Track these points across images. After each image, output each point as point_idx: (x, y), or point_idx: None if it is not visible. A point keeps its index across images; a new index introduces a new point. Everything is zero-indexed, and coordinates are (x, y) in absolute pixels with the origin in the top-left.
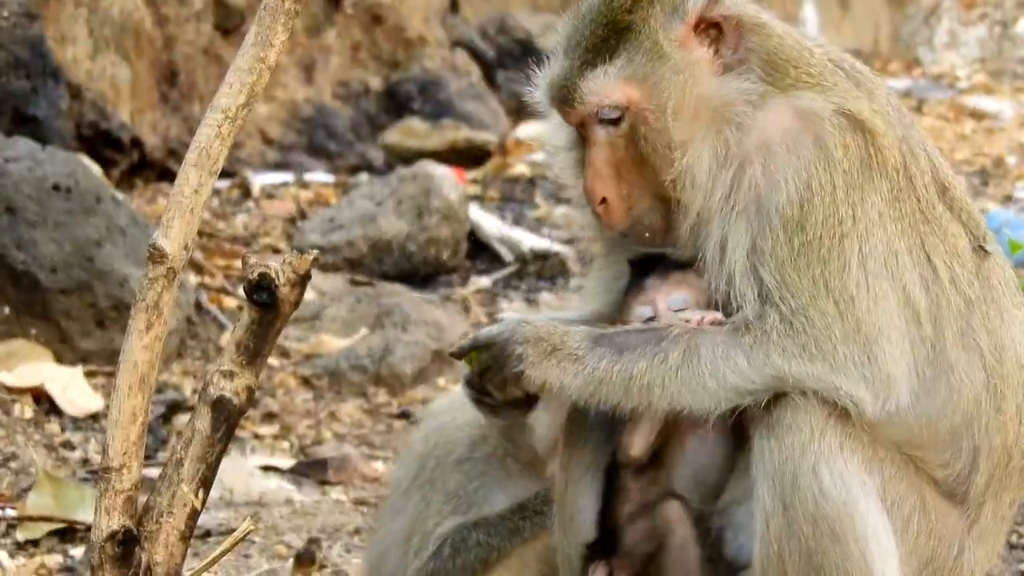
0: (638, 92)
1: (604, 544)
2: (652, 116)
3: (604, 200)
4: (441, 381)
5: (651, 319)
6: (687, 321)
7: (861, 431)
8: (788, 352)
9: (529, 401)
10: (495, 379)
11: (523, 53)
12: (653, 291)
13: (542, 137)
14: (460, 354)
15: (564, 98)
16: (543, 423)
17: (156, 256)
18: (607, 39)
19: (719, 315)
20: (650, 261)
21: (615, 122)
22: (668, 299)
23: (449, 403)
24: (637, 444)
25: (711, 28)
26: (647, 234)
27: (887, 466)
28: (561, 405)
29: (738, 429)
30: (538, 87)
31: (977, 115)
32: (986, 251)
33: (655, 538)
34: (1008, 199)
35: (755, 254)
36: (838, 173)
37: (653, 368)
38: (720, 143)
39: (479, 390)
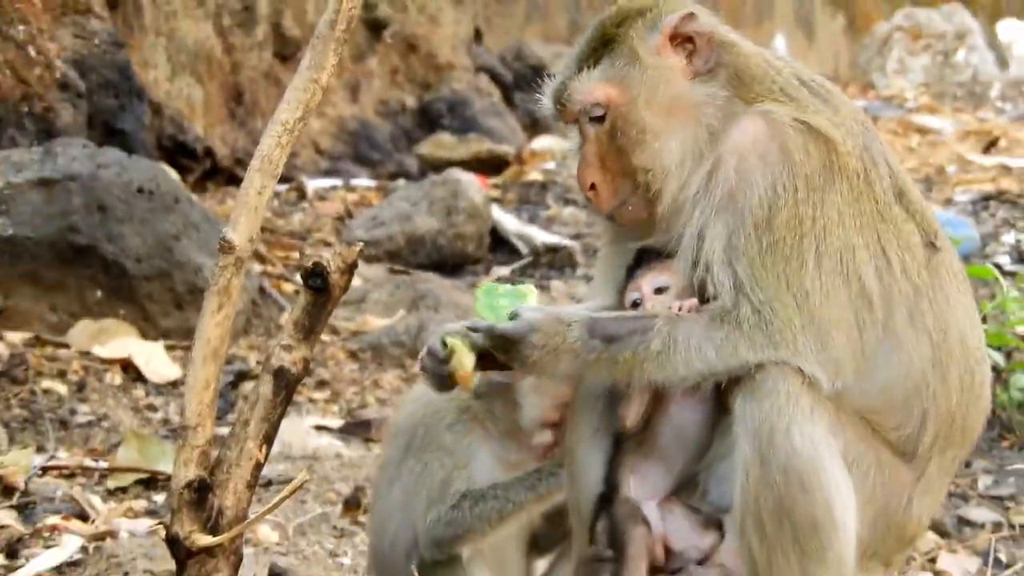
0: (616, 91)
1: (609, 500)
2: (628, 111)
3: (593, 187)
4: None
5: (637, 302)
6: (670, 307)
7: (827, 399)
8: (756, 344)
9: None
10: (495, 362)
11: (537, 77)
12: (639, 278)
13: (556, 149)
14: (474, 329)
15: (559, 99)
16: (534, 405)
17: (226, 247)
18: (596, 49)
19: (695, 301)
20: (644, 253)
21: (600, 120)
22: (651, 283)
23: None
24: (631, 416)
25: (686, 42)
26: (630, 220)
27: (849, 429)
28: (553, 387)
29: (716, 398)
30: (545, 95)
31: (922, 131)
32: (936, 246)
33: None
34: (948, 202)
35: (731, 249)
36: (801, 177)
37: (636, 356)
38: (690, 140)
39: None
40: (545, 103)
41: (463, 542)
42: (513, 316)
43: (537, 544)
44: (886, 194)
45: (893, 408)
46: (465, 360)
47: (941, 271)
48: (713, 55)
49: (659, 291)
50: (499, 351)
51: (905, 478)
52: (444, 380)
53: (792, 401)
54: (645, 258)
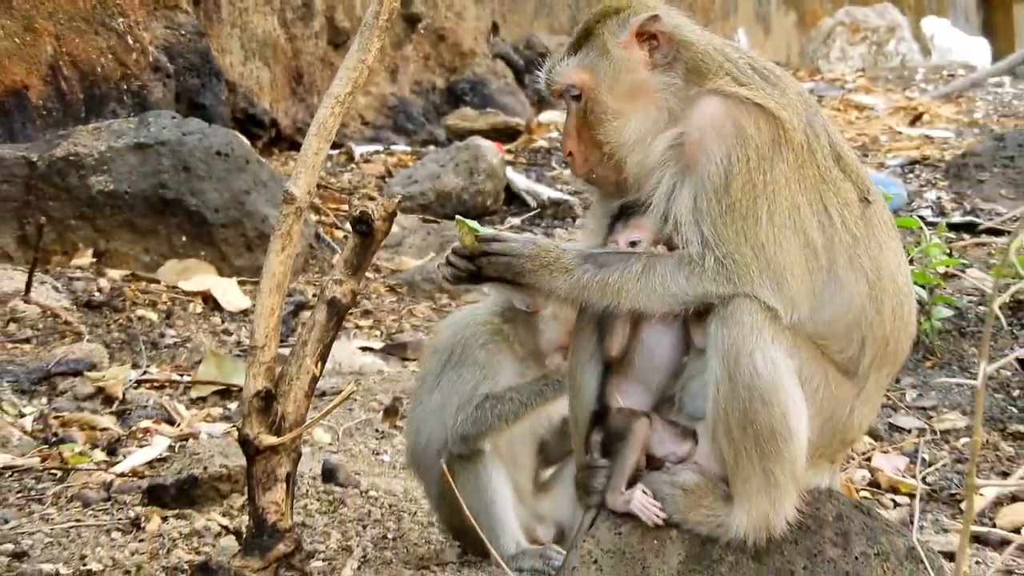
0: (588, 76)
1: (602, 415)
2: (596, 94)
3: (571, 154)
4: (486, 290)
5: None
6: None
7: (786, 328)
8: (719, 282)
9: (481, 280)
10: (495, 264)
11: (543, 63)
12: (617, 232)
13: (559, 121)
14: (484, 239)
15: (546, 79)
16: (552, 329)
17: (288, 199)
18: (579, 40)
19: (665, 247)
20: (624, 209)
21: (577, 98)
22: (626, 238)
23: (467, 311)
24: (615, 347)
25: (651, 39)
26: (600, 183)
27: (803, 352)
28: (568, 316)
29: (684, 329)
30: (540, 75)
31: (860, 108)
32: (869, 201)
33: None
34: (881, 165)
35: (696, 211)
36: (752, 148)
37: (622, 279)
38: (650, 120)
39: (460, 259)
40: (540, 81)
41: (485, 437)
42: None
43: (545, 455)
44: (826, 160)
45: (838, 336)
46: (469, 227)
47: (874, 221)
48: (672, 51)
49: (632, 244)
50: (498, 257)
51: (848, 392)
52: (459, 272)
53: (756, 331)
54: (624, 214)
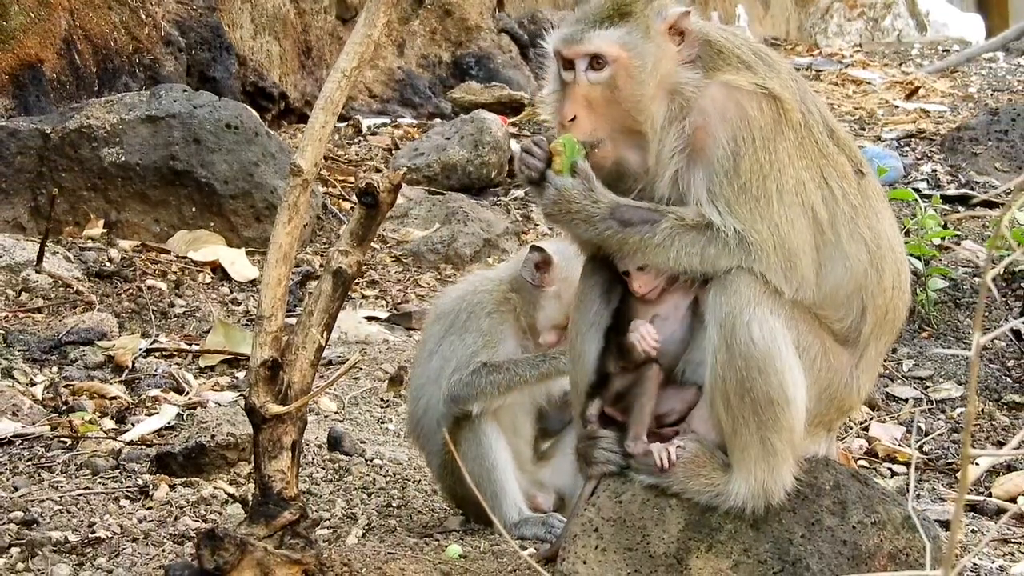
0: (626, 54)
1: (599, 386)
2: (632, 72)
3: (575, 117)
4: (491, 260)
5: None
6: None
7: (784, 299)
8: (736, 257)
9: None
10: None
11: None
12: None
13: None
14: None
15: (573, 39)
16: (552, 307)
17: (296, 171)
18: (612, 16)
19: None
20: None
21: (600, 68)
22: None
23: (477, 277)
24: (651, 346)
25: (679, 34)
26: (596, 156)
27: (800, 322)
28: (569, 297)
29: (695, 317)
30: (551, 37)
31: (857, 82)
32: (863, 173)
33: (633, 382)
34: (878, 139)
35: (710, 193)
36: (756, 128)
37: (641, 243)
38: (671, 107)
39: (542, 152)
40: (552, 42)
41: (475, 402)
42: (572, 168)
43: (544, 425)
44: (822, 135)
45: (838, 305)
46: (571, 153)
47: (869, 191)
48: (696, 49)
49: None
50: (533, 195)
51: (846, 361)
52: (540, 173)
53: (753, 300)
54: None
